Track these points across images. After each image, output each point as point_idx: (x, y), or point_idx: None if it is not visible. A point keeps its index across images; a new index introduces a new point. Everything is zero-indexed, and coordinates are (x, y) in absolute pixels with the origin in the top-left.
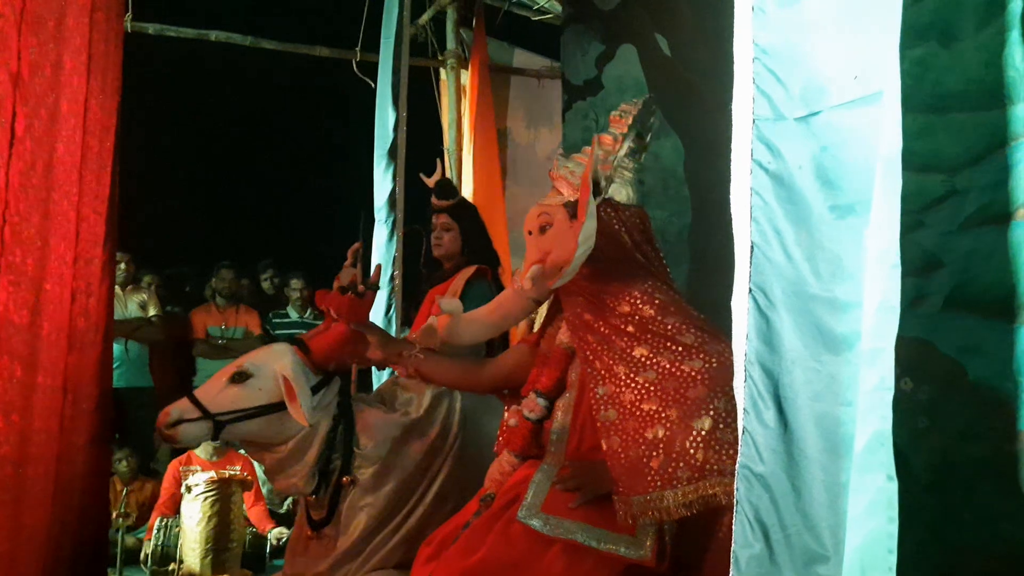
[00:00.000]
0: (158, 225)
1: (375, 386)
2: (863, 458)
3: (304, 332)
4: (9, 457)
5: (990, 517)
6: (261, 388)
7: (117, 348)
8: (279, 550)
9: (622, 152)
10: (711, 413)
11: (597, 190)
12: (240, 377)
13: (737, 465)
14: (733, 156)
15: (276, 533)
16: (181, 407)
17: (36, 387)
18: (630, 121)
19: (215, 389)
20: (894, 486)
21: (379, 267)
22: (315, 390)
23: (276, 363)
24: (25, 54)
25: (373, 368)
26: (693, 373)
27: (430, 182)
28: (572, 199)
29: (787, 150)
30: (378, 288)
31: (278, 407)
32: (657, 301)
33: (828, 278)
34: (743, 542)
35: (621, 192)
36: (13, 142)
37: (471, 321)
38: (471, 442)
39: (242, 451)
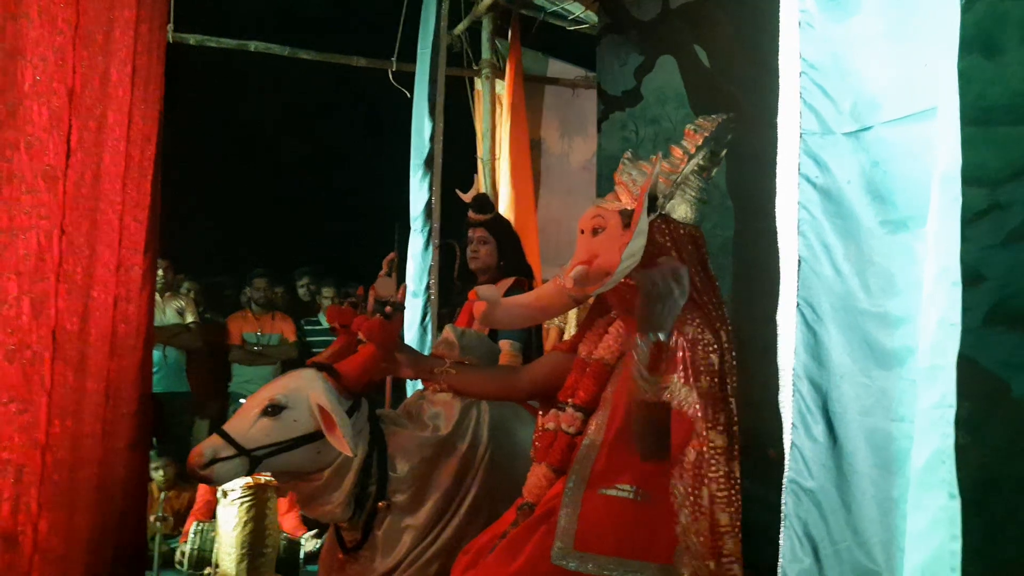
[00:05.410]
0: (198, 233)
1: (409, 394)
2: (923, 476)
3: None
4: (65, 461)
5: None
6: (296, 419)
7: (156, 354)
8: (313, 556)
9: (688, 168)
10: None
11: (653, 206)
12: (274, 410)
13: (785, 480)
14: (779, 170)
15: (309, 538)
16: (214, 445)
17: (85, 392)
18: (701, 139)
19: (247, 423)
20: (957, 504)
21: (404, 287)
22: (348, 414)
23: (309, 392)
24: (79, 68)
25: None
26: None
27: (466, 198)
28: (629, 207)
29: (835, 164)
30: (403, 308)
31: (315, 437)
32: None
33: (879, 293)
34: (791, 557)
35: (679, 209)
36: (69, 154)
37: (510, 306)
38: (501, 452)
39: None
